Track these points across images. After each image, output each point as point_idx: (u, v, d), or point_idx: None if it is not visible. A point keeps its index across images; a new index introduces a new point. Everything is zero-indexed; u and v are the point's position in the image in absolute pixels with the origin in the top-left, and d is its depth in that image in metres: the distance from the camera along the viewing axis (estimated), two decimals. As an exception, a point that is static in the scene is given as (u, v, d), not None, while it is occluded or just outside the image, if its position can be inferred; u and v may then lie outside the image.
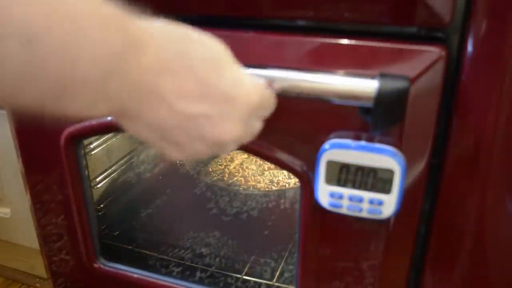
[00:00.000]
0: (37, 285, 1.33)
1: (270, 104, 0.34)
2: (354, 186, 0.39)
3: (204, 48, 0.29)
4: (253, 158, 0.90)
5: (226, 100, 0.29)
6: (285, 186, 0.81)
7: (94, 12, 0.23)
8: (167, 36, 0.27)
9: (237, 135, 0.31)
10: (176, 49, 0.27)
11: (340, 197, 0.40)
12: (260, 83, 0.33)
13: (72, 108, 0.24)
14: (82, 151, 0.55)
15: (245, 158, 0.90)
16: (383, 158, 0.37)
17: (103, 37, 0.23)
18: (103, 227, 0.69)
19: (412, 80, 0.35)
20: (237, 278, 0.64)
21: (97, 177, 0.71)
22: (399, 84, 0.33)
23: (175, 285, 0.57)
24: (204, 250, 0.69)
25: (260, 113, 0.34)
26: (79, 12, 0.22)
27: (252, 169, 0.86)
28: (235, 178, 0.83)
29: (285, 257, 0.67)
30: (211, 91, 0.28)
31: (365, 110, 0.37)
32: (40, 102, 0.23)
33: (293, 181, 0.81)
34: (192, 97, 0.28)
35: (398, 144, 0.38)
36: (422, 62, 0.36)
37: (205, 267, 0.66)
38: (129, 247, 0.69)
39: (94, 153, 0.68)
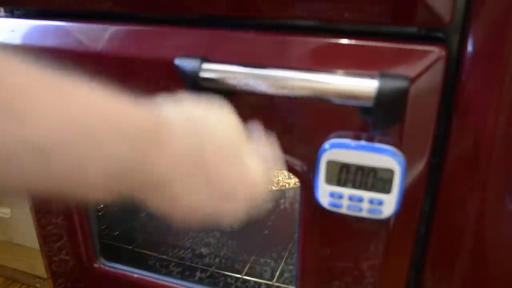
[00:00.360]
0: (37, 285, 1.33)
1: (270, 183, 0.35)
2: (354, 186, 0.39)
3: (217, 140, 0.30)
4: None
5: (230, 198, 0.31)
6: (285, 186, 0.81)
7: (108, 123, 0.24)
8: (180, 131, 0.28)
9: (235, 214, 0.33)
10: (189, 147, 0.28)
11: (340, 197, 0.40)
12: (265, 168, 0.34)
13: (81, 197, 0.25)
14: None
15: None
16: (383, 158, 0.37)
17: (117, 149, 0.24)
18: (103, 227, 0.69)
19: (412, 80, 0.36)
20: (237, 278, 0.64)
21: (97, 177, 0.71)
22: (399, 84, 0.33)
23: (175, 285, 0.57)
24: (204, 250, 0.69)
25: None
26: (94, 126, 0.23)
27: (252, 169, 0.86)
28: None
29: (285, 257, 0.68)
30: (217, 190, 0.30)
31: (365, 110, 0.37)
32: (49, 193, 0.24)
33: (293, 181, 0.81)
34: (198, 193, 0.29)
35: (398, 144, 0.38)
36: (422, 62, 0.36)
37: (205, 267, 0.66)
38: (129, 247, 0.69)
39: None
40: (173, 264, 0.67)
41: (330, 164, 0.39)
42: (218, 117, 0.31)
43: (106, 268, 0.60)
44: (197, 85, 0.39)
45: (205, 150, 0.28)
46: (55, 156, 0.21)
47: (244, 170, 0.31)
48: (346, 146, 0.38)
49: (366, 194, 0.39)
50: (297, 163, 0.43)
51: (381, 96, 0.33)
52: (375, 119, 0.36)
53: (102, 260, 0.61)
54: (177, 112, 0.29)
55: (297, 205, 0.50)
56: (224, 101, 0.34)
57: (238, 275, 0.64)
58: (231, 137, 0.31)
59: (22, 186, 0.22)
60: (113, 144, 0.23)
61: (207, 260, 0.67)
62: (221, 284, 0.63)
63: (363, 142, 0.38)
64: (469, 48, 0.35)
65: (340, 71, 0.36)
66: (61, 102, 0.22)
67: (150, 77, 0.45)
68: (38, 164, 0.21)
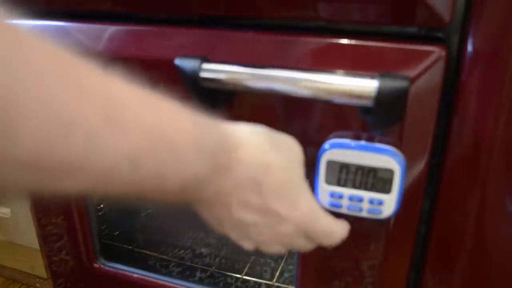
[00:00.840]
0: (37, 285, 1.33)
1: (335, 237, 0.36)
2: (354, 186, 0.39)
3: (278, 175, 0.31)
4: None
5: (276, 228, 0.33)
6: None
7: (190, 137, 0.25)
8: (248, 158, 0.30)
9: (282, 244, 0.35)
10: (251, 176, 0.30)
11: (340, 197, 0.40)
12: (316, 206, 0.35)
13: (155, 200, 0.27)
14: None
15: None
16: (383, 158, 0.37)
17: (194, 162, 0.26)
18: (103, 227, 0.69)
19: (412, 80, 0.36)
20: (237, 278, 0.64)
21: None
22: (399, 84, 0.33)
23: (175, 285, 0.57)
24: (204, 250, 0.69)
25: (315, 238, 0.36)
26: (177, 138, 0.24)
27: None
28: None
29: (285, 257, 0.68)
30: (267, 217, 0.32)
31: (365, 110, 0.37)
32: (126, 196, 0.25)
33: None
34: (252, 209, 0.31)
35: (398, 144, 0.38)
36: (422, 62, 0.36)
37: (205, 267, 0.66)
38: (129, 247, 0.69)
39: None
40: (173, 264, 0.67)
41: (330, 164, 0.39)
42: (285, 151, 0.33)
43: (106, 268, 0.60)
44: (197, 85, 0.39)
45: (263, 184, 0.30)
46: (143, 165, 0.23)
47: (295, 204, 0.32)
48: (346, 146, 0.38)
49: (366, 194, 0.39)
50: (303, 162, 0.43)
51: (381, 96, 0.33)
52: (375, 119, 0.36)
53: (102, 260, 0.61)
54: (250, 135, 0.31)
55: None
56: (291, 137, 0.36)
57: (238, 275, 0.64)
58: (291, 173, 0.32)
59: (108, 192, 0.23)
60: (191, 160, 0.25)
61: (207, 260, 0.67)
62: (221, 284, 0.63)
63: (363, 142, 0.38)
64: (469, 48, 0.35)
65: (340, 71, 0.36)
66: (152, 114, 0.23)
67: (150, 77, 0.45)
68: (129, 173, 0.22)
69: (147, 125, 0.22)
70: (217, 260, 0.67)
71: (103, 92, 0.20)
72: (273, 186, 0.31)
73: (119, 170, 0.21)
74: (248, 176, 0.29)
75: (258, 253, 0.67)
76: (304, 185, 0.33)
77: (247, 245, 0.34)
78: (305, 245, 0.36)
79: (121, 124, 0.21)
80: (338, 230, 0.36)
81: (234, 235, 0.33)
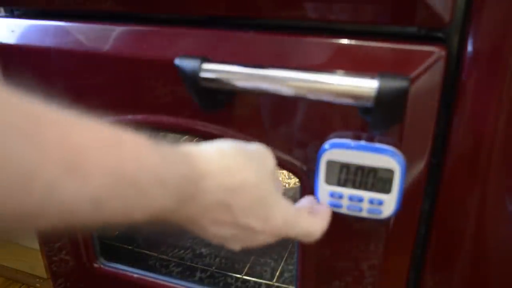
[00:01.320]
0: (37, 285, 1.33)
1: (313, 236, 0.37)
2: (354, 186, 0.39)
3: (250, 193, 0.32)
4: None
5: (253, 239, 0.34)
6: (285, 186, 0.81)
7: (154, 176, 0.26)
8: (217, 183, 0.30)
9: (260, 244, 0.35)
10: (219, 200, 0.30)
11: (340, 197, 0.40)
12: (290, 216, 0.35)
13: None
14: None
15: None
16: (383, 158, 0.37)
17: (160, 200, 0.27)
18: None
19: (412, 80, 0.35)
20: (237, 278, 0.64)
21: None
22: (399, 84, 0.33)
23: (175, 285, 0.57)
24: (204, 250, 0.69)
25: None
26: (141, 178, 0.25)
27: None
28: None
29: (285, 257, 0.68)
30: (242, 230, 0.32)
31: (365, 110, 0.37)
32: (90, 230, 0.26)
33: (293, 181, 0.81)
34: (225, 231, 0.32)
35: (398, 144, 0.38)
36: (422, 62, 0.36)
37: (205, 267, 0.66)
38: (129, 247, 0.69)
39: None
40: (173, 264, 0.67)
41: (330, 164, 0.39)
42: (256, 166, 0.33)
43: (106, 268, 0.60)
44: (197, 85, 0.39)
45: (232, 205, 0.31)
46: (107, 205, 0.23)
47: (267, 217, 0.33)
48: (346, 146, 0.38)
49: (366, 194, 0.39)
50: (297, 163, 0.43)
51: (381, 96, 0.33)
52: (375, 119, 0.36)
53: (102, 260, 0.61)
54: (217, 159, 0.31)
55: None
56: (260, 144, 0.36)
57: (238, 275, 0.64)
58: (261, 189, 0.33)
59: (70, 229, 0.24)
60: (156, 196, 0.26)
61: (207, 260, 0.67)
62: (221, 284, 0.63)
63: (363, 142, 0.38)
64: (469, 48, 0.35)
65: (340, 71, 0.36)
66: (113, 156, 0.23)
67: (150, 77, 0.45)
68: (92, 213, 0.23)
69: (108, 168, 0.23)
70: (217, 260, 0.67)
71: (63, 142, 0.21)
72: (243, 205, 0.31)
73: (81, 212, 0.22)
74: (216, 201, 0.30)
75: (258, 253, 0.67)
76: (275, 197, 0.34)
77: (232, 247, 0.35)
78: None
79: (82, 171, 0.21)
80: (315, 230, 0.36)
81: (216, 243, 0.34)
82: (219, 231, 0.32)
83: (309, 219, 0.36)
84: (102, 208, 0.23)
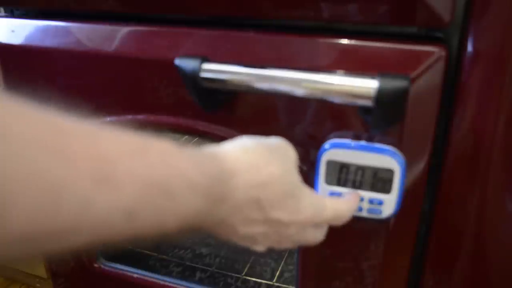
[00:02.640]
0: (37, 285, 1.33)
1: (343, 217, 0.37)
2: (354, 185, 0.39)
3: (278, 187, 0.32)
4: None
5: (283, 234, 0.34)
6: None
7: (183, 181, 0.26)
8: (245, 181, 0.30)
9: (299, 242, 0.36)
10: (249, 198, 0.30)
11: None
12: (317, 208, 0.35)
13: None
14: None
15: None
16: (383, 158, 0.37)
17: (191, 205, 0.26)
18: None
19: (412, 80, 0.35)
20: (237, 278, 0.64)
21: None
22: (399, 84, 0.33)
23: (175, 285, 0.57)
24: (204, 250, 0.69)
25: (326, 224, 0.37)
26: (170, 184, 0.25)
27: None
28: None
29: (285, 257, 0.68)
30: (273, 227, 0.33)
31: (365, 110, 0.37)
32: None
33: (293, 181, 0.81)
34: (255, 230, 0.32)
35: (398, 144, 0.38)
36: (422, 62, 0.36)
37: (205, 267, 0.66)
38: (129, 247, 0.69)
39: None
40: (173, 264, 0.67)
41: (330, 164, 0.39)
42: (279, 159, 0.33)
43: (106, 268, 0.60)
44: (197, 85, 0.39)
45: (262, 200, 0.31)
46: (139, 215, 0.23)
47: (297, 209, 0.33)
48: (346, 146, 0.38)
49: (366, 194, 0.39)
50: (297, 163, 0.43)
51: (381, 96, 0.33)
52: (375, 119, 0.36)
53: (102, 260, 0.61)
54: (242, 157, 0.31)
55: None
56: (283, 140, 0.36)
57: (238, 275, 0.64)
58: (288, 182, 0.33)
59: (106, 243, 0.24)
60: (188, 201, 0.26)
61: (207, 260, 0.67)
62: (221, 284, 0.63)
63: (363, 142, 0.38)
64: (469, 48, 0.35)
65: (340, 71, 0.36)
66: (143, 164, 0.23)
67: (151, 77, 0.45)
68: (125, 225, 0.22)
69: (139, 177, 0.23)
70: (217, 260, 0.67)
71: (91, 154, 0.21)
72: (272, 199, 0.31)
73: (115, 225, 0.22)
74: (246, 198, 0.30)
75: (258, 253, 0.67)
76: (302, 188, 0.34)
77: (258, 249, 0.35)
78: (314, 236, 0.36)
79: (112, 182, 0.21)
80: (343, 211, 0.36)
81: (243, 244, 0.34)
82: (250, 230, 0.32)
83: (336, 202, 0.36)
84: (135, 218, 0.23)
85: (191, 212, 0.26)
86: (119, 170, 0.22)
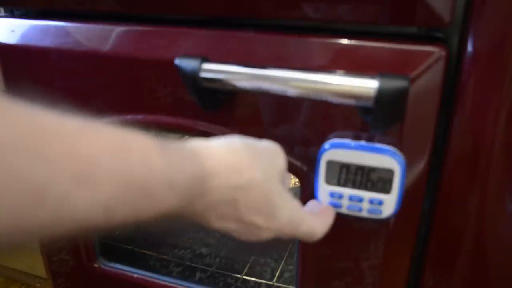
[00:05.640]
0: (37, 285, 1.33)
1: (315, 236, 0.37)
2: (354, 186, 0.39)
3: (257, 192, 0.32)
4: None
5: (256, 233, 0.34)
6: (285, 186, 0.81)
7: (162, 180, 0.26)
8: (225, 181, 0.30)
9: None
10: (225, 197, 0.31)
11: (340, 197, 0.40)
12: (296, 218, 0.35)
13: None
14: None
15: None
16: (383, 158, 0.37)
17: (169, 202, 0.27)
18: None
19: (412, 80, 0.36)
20: (237, 278, 0.64)
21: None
22: (399, 84, 0.33)
23: (175, 285, 0.57)
24: (204, 250, 0.69)
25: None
26: (149, 182, 0.25)
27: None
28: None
29: (285, 257, 0.68)
30: (246, 226, 0.33)
31: (365, 110, 0.37)
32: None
33: (293, 181, 0.81)
34: (230, 225, 0.32)
35: (398, 144, 0.38)
36: (422, 62, 0.36)
37: (205, 267, 0.66)
38: (129, 247, 0.69)
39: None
40: (173, 264, 0.67)
41: (330, 164, 0.39)
42: (265, 164, 0.33)
43: (106, 268, 0.60)
44: (197, 85, 0.39)
45: (239, 202, 0.31)
46: (118, 212, 0.24)
47: (273, 216, 0.33)
48: (346, 146, 0.38)
49: (366, 194, 0.39)
50: (297, 163, 0.43)
51: (381, 96, 0.33)
52: (375, 119, 0.36)
53: (102, 260, 0.61)
54: (226, 157, 0.31)
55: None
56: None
57: (238, 275, 0.64)
58: (269, 188, 0.33)
59: (79, 235, 0.24)
60: (166, 198, 0.27)
61: (207, 260, 0.67)
62: (221, 284, 0.63)
63: (363, 142, 0.38)
64: (469, 48, 0.35)
65: (340, 71, 0.36)
66: (122, 162, 0.24)
67: (150, 77, 0.45)
68: (103, 220, 0.23)
69: (118, 177, 0.23)
70: (217, 260, 0.67)
71: (71, 153, 0.21)
72: (249, 203, 0.31)
73: (93, 219, 0.22)
74: (223, 198, 0.30)
75: (258, 253, 0.67)
76: (283, 197, 0.34)
77: (238, 238, 0.35)
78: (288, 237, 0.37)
79: (92, 181, 0.22)
80: (318, 229, 0.37)
81: (222, 233, 0.34)
82: (224, 225, 0.32)
83: (313, 219, 0.36)
84: (113, 214, 0.23)
85: (166, 207, 0.27)
86: (99, 170, 0.22)
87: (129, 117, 0.47)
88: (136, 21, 0.46)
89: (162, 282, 0.58)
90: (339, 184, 0.40)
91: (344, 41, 0.38)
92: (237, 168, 0.31)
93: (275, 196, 0.33)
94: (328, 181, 0.40)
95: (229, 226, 0.32)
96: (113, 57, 0.46)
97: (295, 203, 0.35)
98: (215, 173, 0.30)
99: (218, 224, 0.32)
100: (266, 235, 0.34)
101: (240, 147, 0.32)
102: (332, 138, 0.39)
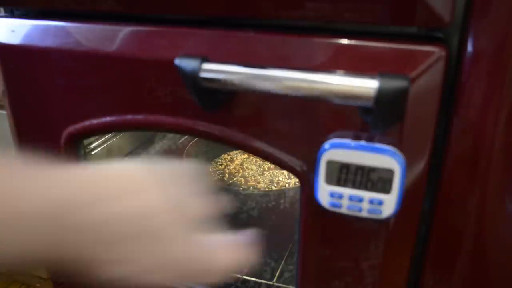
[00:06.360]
0: (37, 285, 1.33)
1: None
2: (354, 186, 0.39)
3: (144, 223, 0.31)
4: (253, 158, 0.90)
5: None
6: (285, 186, 0.81)
7: (32, 212, 0.27)
8: (108, 206, 0.30)
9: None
10: (108, 224, 0.30)
11: (340, 197, 0.40)
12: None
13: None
14: (82, 151, 0.55)
15: (245, 158, 0.90)
16: (383, 158, 0.37)
17: (36, 231, 0.27)
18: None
19: (412, 80, 0.36)
20: (237, 278, 0.64)
21: (97, 177, 0.71)
22: (399, 84, 0.33)
23: (175, 285, 0.57)
24: (204, 250, 0.69)
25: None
26: (21, 218, 0.26)
27: (252, 169, 0.86)
28: (235, 178, 0.83)
29: (285, 257, 0.68)
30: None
31: (365, 110, 0.37)
32: None
33: (293, 181, 0.81)
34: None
35: (398, 144, 0.38)
36: (422, 62, 0.36)
37: (205, 267, 0.65)
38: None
39: (94, 153, 0.68)
40: (173, 264, 0.66)
41: (330, 164, 0.39)
42: (170, 190, 0.32)
43: (106, 268, 0.60)
44: (197, 85, 0.39)
45: (115, 233, 0.31)
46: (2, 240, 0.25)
47: (153, 251, 0.32)
48: (346, 146, 0.38)
49: (366, 194, 0.39)
50: (297, 163, 0.43)
51: (381, 96, 0.33)
52: (375, 119, 0.36)
53: (102, 260, 0.60)
54: (120, 174, 0.31)
55: (297, 205, 0.50)
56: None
57: (238, 275, 0.64)
58: (160, 219, 0.32)
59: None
60: (34, 229, 0.27)
61: (207, 260, 0.67)
62: (221, 284, 0.63)
63: (363, 142, 0.38)
64: (469, 48, 0.35)
65: (340, 71, 0.36)
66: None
67: (150, 77, 0.45)
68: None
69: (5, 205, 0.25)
70: (217, 260, 0.67)
71: None
72: (125, 234, 0.31)
73: None
74: (99, 226, 0.30)
75: (258, 253, 0.67)
76: (176, 230, 0.32)
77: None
78: None
79: None
80: (215, 270, 0.36)
81: None
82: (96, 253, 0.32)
83: (210, 260, 0.35)
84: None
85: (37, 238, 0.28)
86: None
87: (129, 117, 0.48)
88: (136, 21, 0.46)
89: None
90: (339, 184, 0.40)
91: (344, 41, 0.38)
92: (128, 193, 0.30)
93: (167, 229, 0.32)
94: (328, 181, 0.40)
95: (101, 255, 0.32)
96: (113, 57, 0.46)
97: (202, 237, 0.34)
98: (97, 199, 0.30)
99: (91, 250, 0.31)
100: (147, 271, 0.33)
101: (141, 171, 0.32)
102: (332, 138, 0.39)
